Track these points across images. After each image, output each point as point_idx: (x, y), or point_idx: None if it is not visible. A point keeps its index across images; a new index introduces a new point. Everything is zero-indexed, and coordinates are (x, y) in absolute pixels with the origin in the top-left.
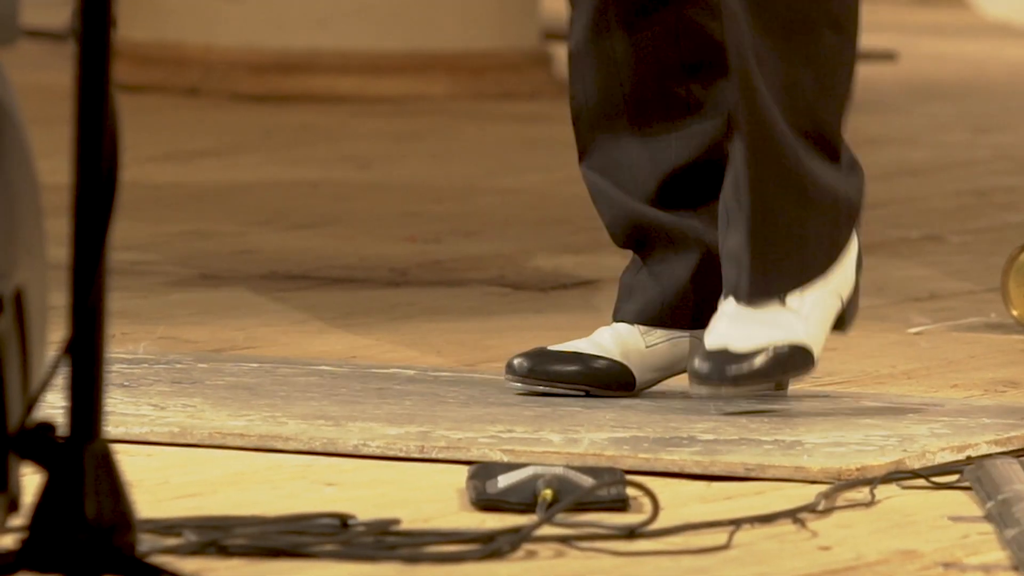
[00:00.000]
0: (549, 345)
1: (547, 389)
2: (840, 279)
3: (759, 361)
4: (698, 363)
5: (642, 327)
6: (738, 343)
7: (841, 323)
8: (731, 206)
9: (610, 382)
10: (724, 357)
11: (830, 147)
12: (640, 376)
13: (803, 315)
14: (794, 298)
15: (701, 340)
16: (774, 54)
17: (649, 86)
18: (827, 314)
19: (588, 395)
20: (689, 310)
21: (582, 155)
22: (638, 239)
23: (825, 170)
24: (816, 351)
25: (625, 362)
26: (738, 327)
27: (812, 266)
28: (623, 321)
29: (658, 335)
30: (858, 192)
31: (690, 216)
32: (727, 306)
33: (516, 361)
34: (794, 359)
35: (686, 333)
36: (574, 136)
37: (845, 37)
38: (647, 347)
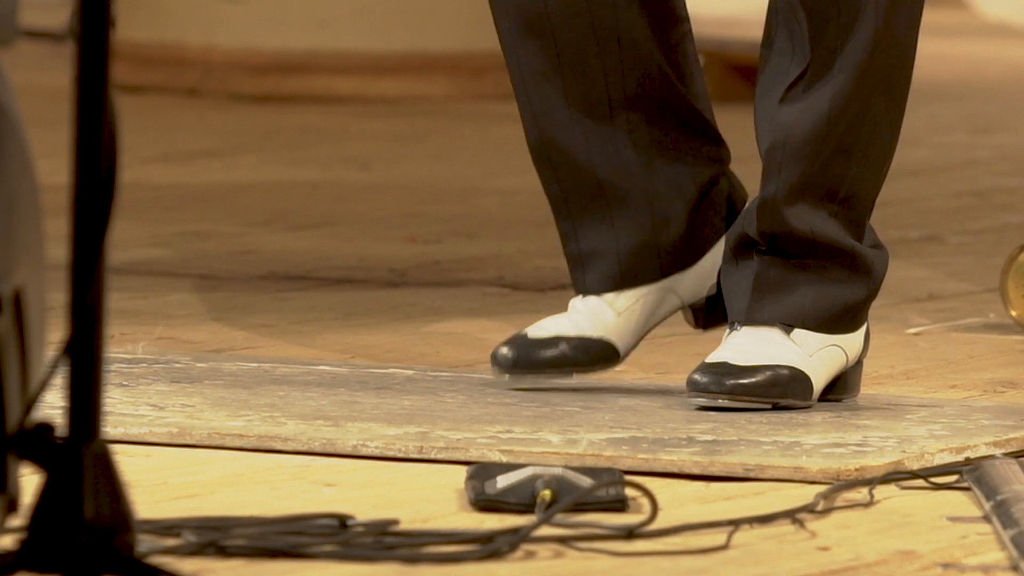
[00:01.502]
0: (528, 328)
1: (535, 381)
2: (848, 337)
3: (758, 377)
4: (697, 375)
5: (608, 295)
6: (739, 359)
7: (842, 387)
8: (737, 250)
9: (594, 360)
10: (723, 369)
11: (858, 216)
12: (621, 343)
13: (806, 352)
14: (798, 334)
15: (670, 288)
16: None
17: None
18: (830, 361)
19: (575, 374)
20: (647, 264)
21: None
22: (575, 194)
23: (843, 234)
24: (816, 388)
25: (604, 336)
26: (740, 348)
27: (822, 317)
28: (587, 293)
29: (625, 297)
30: (880, 265)
31: (628, 149)
32: (731, 336)
33: (500, 352)
34: (793, 384)
35: (651, 284)
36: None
37: (895, 102)
38: (618, 314)
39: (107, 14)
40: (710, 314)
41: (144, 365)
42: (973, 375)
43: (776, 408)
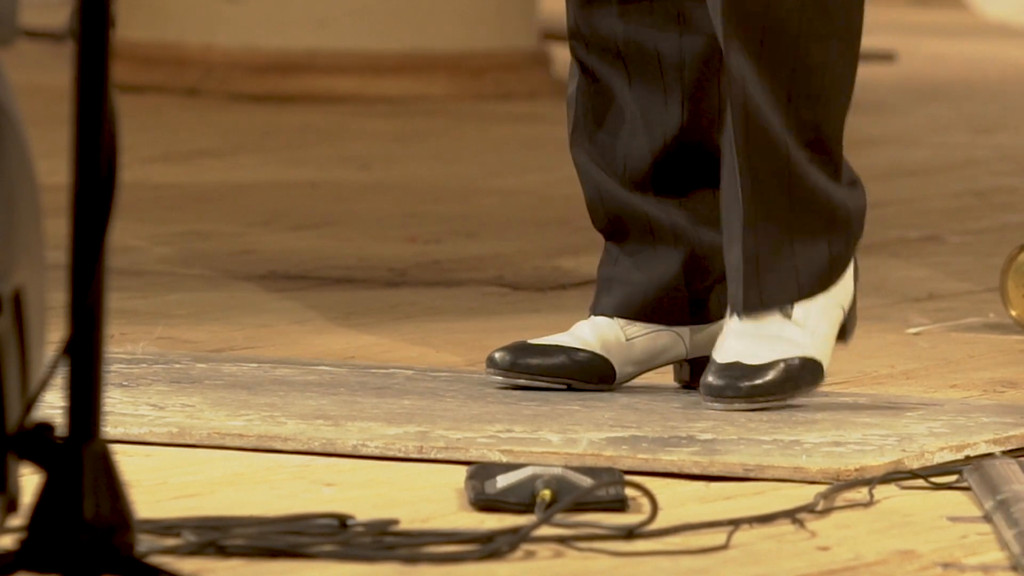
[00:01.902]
0: (529, 339)
1: (528, 383)
2: (841, 289)
3: (772, 376)
4: (711, 378)
5: (622, 320)
6: (750, 358)
7: (843, 333)
8: (730, 218)
9: (591, 375)
10: (737, 371)
11: (832, 159)
12: (620, 369)
13: (809, 328)
14: (799, 310)
15: (681, 336)
16: (780, 63)
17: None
18: (832, 325)
19: (569, 388)
20: (670, 306)
21: (572, 136)
22: (619, 226)
23: (826, 183)
24: (825, 364)
25: (605, 355)
26: (747, 343)
27: (814, 280)
28: (602, 315)
29: (638, 328)
30: (859, 207)
31: (675, 207)
32: (732, 323)
33: (497, 355)
34: (805, 373)
35: (666, 327)
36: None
37: (849, 48)
38: (627, 340)
39: (107, 14)
40: (696, 376)
41: (144, 365)
42: (973, 375)
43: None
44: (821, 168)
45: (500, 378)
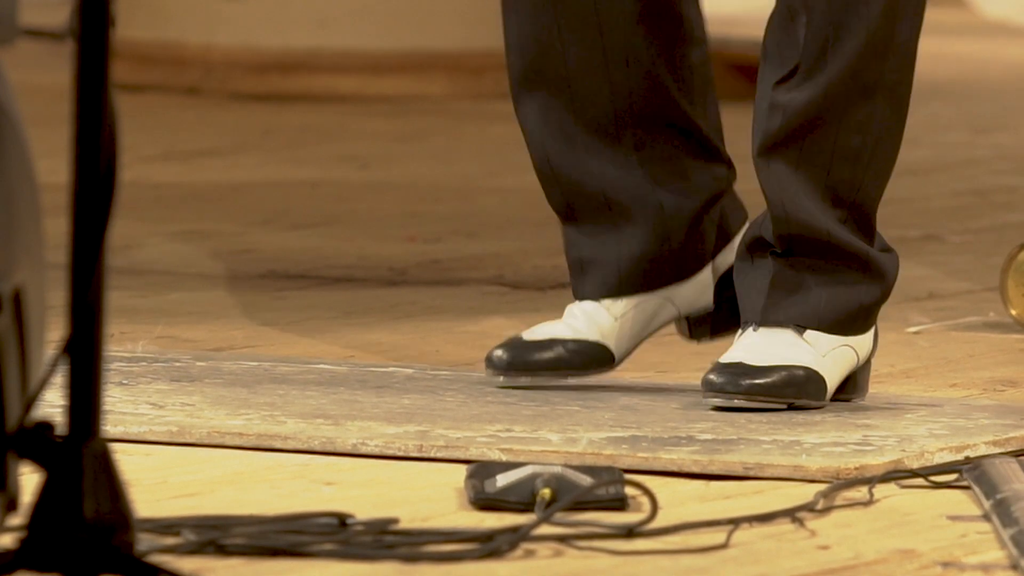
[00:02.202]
0: (523, 332)
1: (530, 381)
2: (859, 339)
3: (774, 377)
4: (712, 375)
5: (605, 300)
6: (754, 360)
7: (852, 387)
8: (752, 246)
9: (589, 363)
10: (739, 370)
11: (866, 220)
12: (617, 348)
13: (819, 352)
14: (811, 335)
15: (667, 298)
16: (827, 116)
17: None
18: (843, 361)
19: (570, 377)
20: (646, 274)
21: (520, 84)
22: (574, 204)
23: (856, 238)
24: (829, 388)
25: (600, 340)
26: (754, 348)
27: (835, 318)
28: (585, 299)
29: (623, 304)
30: (893, 270)
31: (636, 166)
32: (745, 335)
33: (495, 354)
34: (808, 385)
35: (649, 293)
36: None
37: (896, 109)
38: (615, 319)
39: (107, 13)
40: (702, 326)
41: (144, 364)
42: (973, 374)
43: (791, 408)
44: (855, 231)
45: (501, 378)
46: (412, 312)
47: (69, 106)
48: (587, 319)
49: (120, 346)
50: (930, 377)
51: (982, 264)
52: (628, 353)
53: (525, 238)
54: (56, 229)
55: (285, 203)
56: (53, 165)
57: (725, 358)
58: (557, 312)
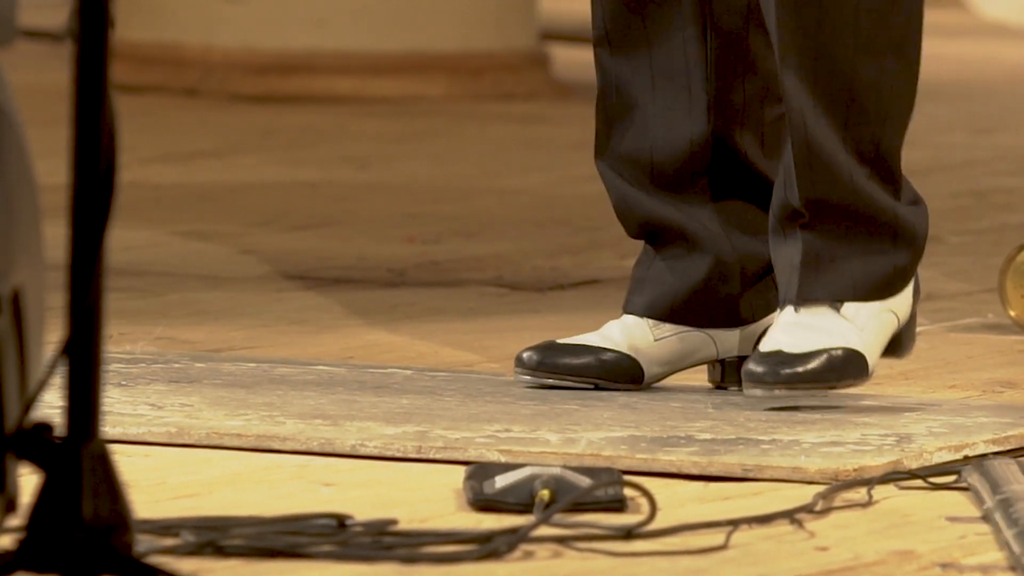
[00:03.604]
0: (558, 339)
1: (556, 382)
2: (898, 300)
3: (813, 364)
4: (752, 364)
5: (651, 320)
6: (793, 346)
7: (896, 346)
8: (783, 219)
9: (619, 375)
10: (778, 359)
11: (893, 177)
12: (648, 369)
13: (858, 325)
14: (850, 308)
15: (711, 338)
16: (836, 81)
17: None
18: (883, 329)
19: (597, 388)
20: (700, 309)
21: (597, 145)
22: (651, 232)
23: (888, 200)
24: (871, 362)
25: (634, 355)
26: (793, 332)
27: (871, 286)
28: (632, 313)
29: (667, 329)
30: (923, 224)
31: (705, 212)
32: (783, 315)
33: (526, 354)
34: (848, 365)
35: (695, 329)
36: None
37: (906, 65)
38: (655, 340)
39: (106, 14)
40: (735, 375)
41: (143, 365)
42: (971, 375)
43: (833, 390)
44: (882, 186)
45: (528, 377)
46: (411, 313)
47: (68, 107)
48: (624, 332)
49: (119, 347)
50: (929, 378)
51: (981, 265)
52: (658, 378)
53: (524, 239)
54: (55, 230)
55: (284, 204)
56: (52, 166)
57: (764, 345)
58: (556, 313)
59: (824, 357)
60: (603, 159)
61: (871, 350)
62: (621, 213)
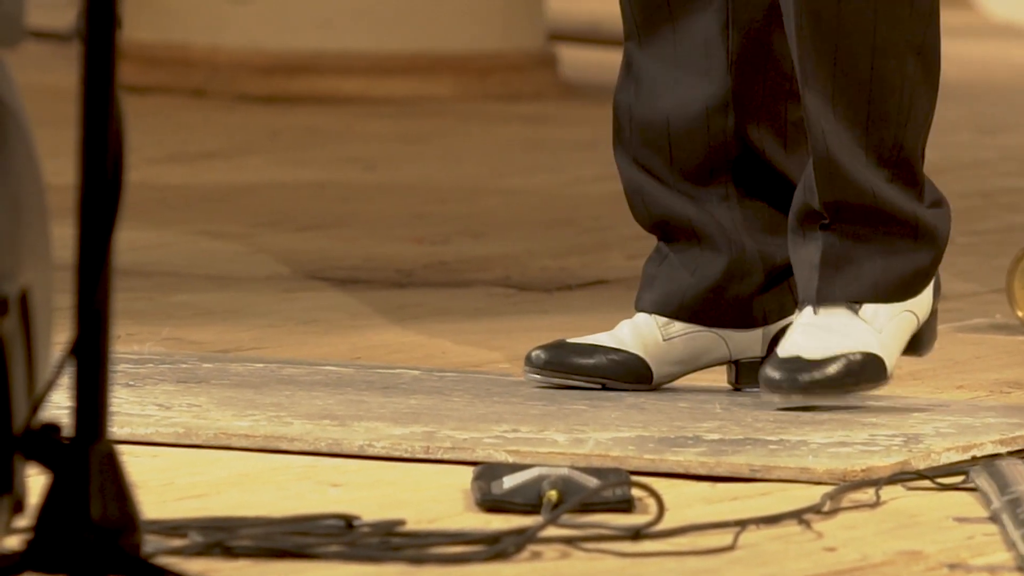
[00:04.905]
0: (568, 338)
1: (564, 381)
2: (918, 301)
3: (832, 369)
4: (770, 370)
5: (661, 318)
6: (811, 352)
7: (917, 345)
8: (803, 220)
9: (627, 375)
10: (796, 364)
11: (915, 178)
12: (658, 369)
13: (876, 327)
14: (869, 309)
15: (722, 338)
16: (855, 82)
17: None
18: (902, 330)
19: (604, 388)
20: (710, 308)
21: (617, 138)
22: (665, 228)
23: (909, 202)
24: (890, 364)
25: (643, 355)
26: (811, 336)
27: (891, 287)
28: (642, 311)
29: (677, 328)
30: (945, 225)
31: (724, 207)
32: (801, 317)
33: (534, 353)
34: (867, 369)
35: (706, 328)
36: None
37: (926, 66)
38: (664, 340)
39: (113, 15)
40: (750, 374)
41: (150, 365)
42: (979, 375)
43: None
44: (904, 188)
45: (537, 376)
46: (419, 313)
47: (76, 107)
48: (634, 332)
49: (127, 347)
50: (936, 379)
51: (988, 266)
52: (669, 379)
53: (532, 239)
54: (63, 231)
55: (291, 205)
56: (60, 166)
57: (782, 349)
58: (564, 313)
59: (842, 362)
60: (621, 147)
61: (889, 352)
62: (635, 206)
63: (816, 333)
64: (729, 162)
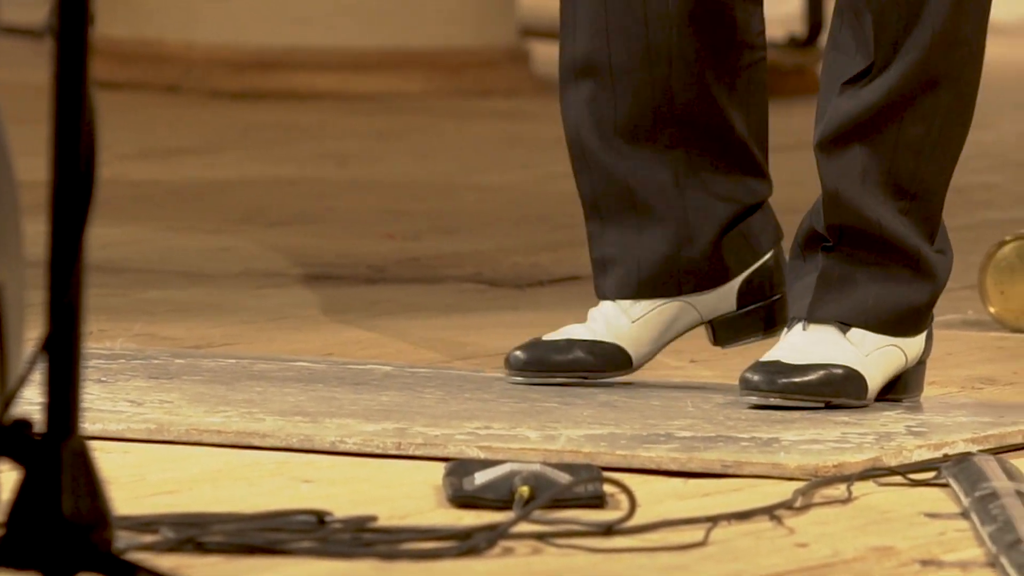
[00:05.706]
0: (544, 334)
1: (546, 381)
2: (908, 341)
3: (812, 376)
4: (749, 372)
5: (624, 302)
6: (793, 358)
7: (903, 386)
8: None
9: (607, 365)
10: (776, 367)
11: (929, 218)
12: (635, 352)
13: (863, 351)
14: (856, 333)
15: (689, 303)
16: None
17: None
18: (888, 362)
19: (586, 380)
20: (667, 279)
21: (563, 76)
22: (600, 196)
23: (912, 234)
24: (871, 387)
25: (616, 342)
26: (796, 347)
27: (883, 317)
28: (604, 298)
29: (642, 307)
30: (945, 272)
31: (664, 162)
32: (791, 331)
33: (513, 356)
34: (847, 384)
35: (670, 299)
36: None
37: (961, 102)
38: (632, 322)
39: (86, 11)
40: (727, 330)
41: (122, 361)
42: (951, 372)
43: (829, 407)
44: (915, 222)
45: (520, 379)
46: (391, 309)
47: (48, 104)
48: (605, 321)
49: (98, 344)
50: None
51: (961, 262)
52: (648, 357)
53: (504, 236)
54: (35, 227)
55: (264, 201)
56: (32, 163)
57: (765, 356)
58: (536, 310)
59: (823, 372)
60: (572, 87)
61: (872, 376)
62: (578, 165)
63: (801, 345)
64: (673, 116)
